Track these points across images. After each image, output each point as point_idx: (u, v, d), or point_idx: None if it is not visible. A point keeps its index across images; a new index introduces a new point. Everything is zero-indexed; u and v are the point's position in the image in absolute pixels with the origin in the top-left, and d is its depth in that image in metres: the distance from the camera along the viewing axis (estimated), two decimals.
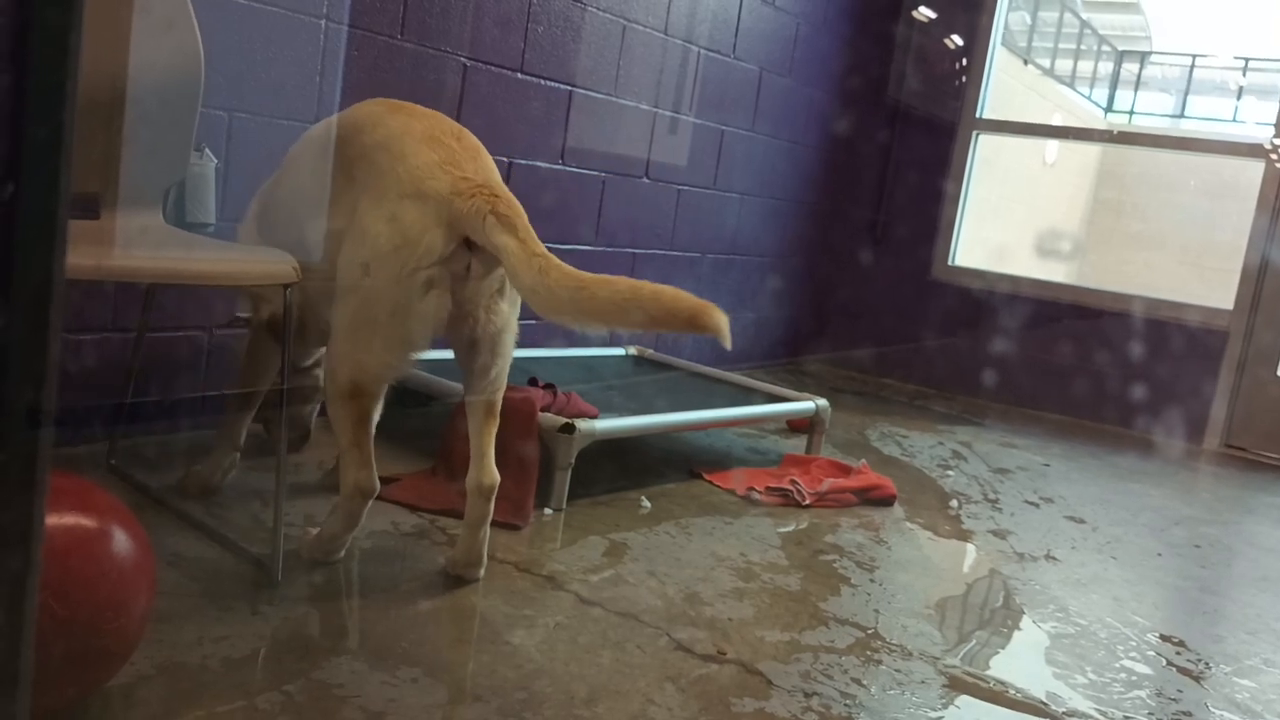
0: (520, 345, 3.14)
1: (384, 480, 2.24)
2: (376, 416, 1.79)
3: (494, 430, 1.85)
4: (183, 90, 1.93)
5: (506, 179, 3.03)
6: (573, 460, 2.28)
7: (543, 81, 3.06)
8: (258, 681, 1.41)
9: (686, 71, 3.64)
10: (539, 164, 3.12)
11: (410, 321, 1.68)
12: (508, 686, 1.49)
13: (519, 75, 2.98)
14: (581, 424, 2.30)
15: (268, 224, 1.99)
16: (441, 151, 1.71)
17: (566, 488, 2.29)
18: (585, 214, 3.35)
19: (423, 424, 2.76)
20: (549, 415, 2.33)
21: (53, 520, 1.17)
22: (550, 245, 3.26)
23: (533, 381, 2.59)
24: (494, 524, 2.12)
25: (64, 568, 1.15)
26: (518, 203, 1.72)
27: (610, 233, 3.46)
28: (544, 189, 3.16)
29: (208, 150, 2.27)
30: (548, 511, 2.26)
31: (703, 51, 3.68)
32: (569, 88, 3.15)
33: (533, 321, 3.21)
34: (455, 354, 1.84)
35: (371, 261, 1.66)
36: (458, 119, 2.82)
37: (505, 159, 3.01)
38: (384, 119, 1.78)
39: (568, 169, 3.23)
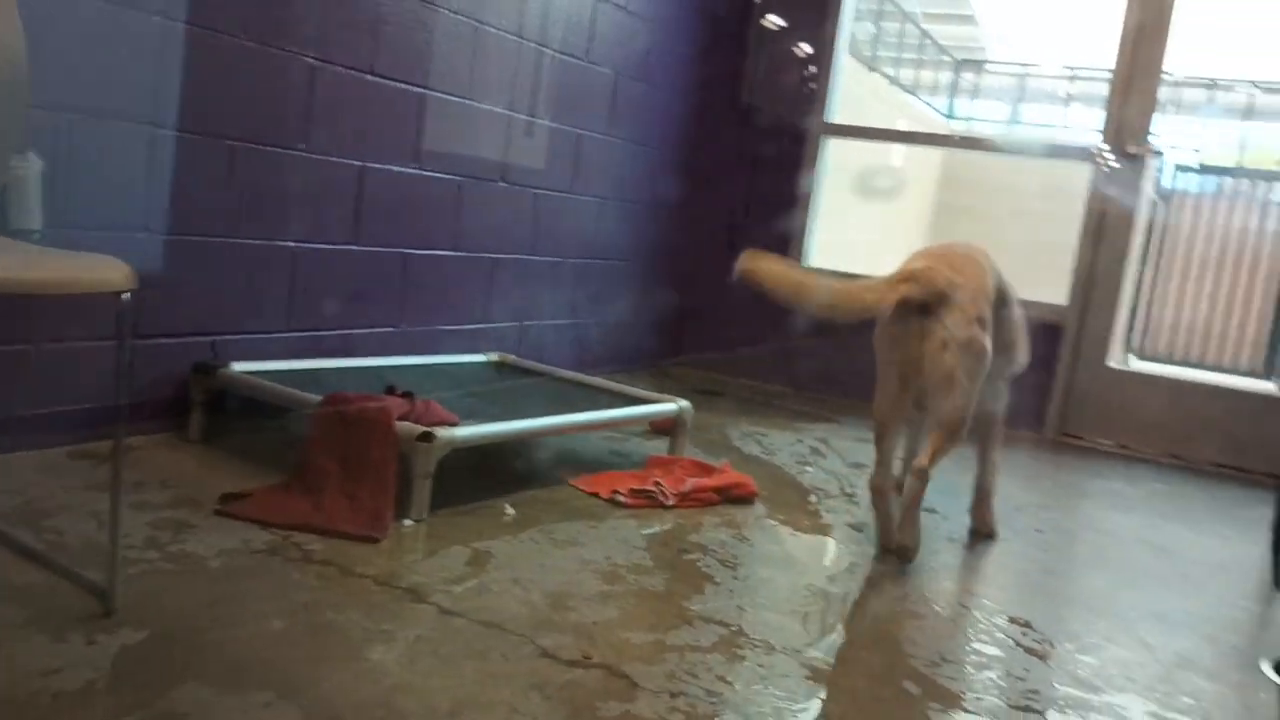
0: (376, 353, 3.09)
1: (234, 496, 2.16)
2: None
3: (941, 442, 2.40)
4: (4, 88, 1.81)
5: (359, 184, 2.96)
6: (433, 469, 2.23)
7: (394, 83, 3.00)
8: (93, 715, 1.33)
9: (541, 75, 3.62)
10: (393, 168, 3.05)
11: None
12: (367, 704, 1.44)
13: (369, 77, 2.91)
14: (441, 432, 2.25)
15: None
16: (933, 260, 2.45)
17: (428, 497, 2.24)
18: (442, 219, 3.29)
19: (276, 437, 2.66)
20: (407, 424, 2.28)
21: None
22: (407, 251, 3.21)
23: (390, 390, 2.53)
24: (350, 537, 2.06)
25: None
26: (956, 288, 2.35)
27: (468, 238, 3.41)
28: (399, 194, 3.09)
29: (32, 153, 2.13)
30: (408, 522, 2.21)
31: (557, 55, 3.67)
32: (422, 90, 3.10)
33: (389, 329, 3.15)
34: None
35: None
36: (306, 122, 2.75)
37: (358, 163, 2.93)
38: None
39: (423, 173, 3.17)
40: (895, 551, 2.44)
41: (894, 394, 2.44)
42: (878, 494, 2.48)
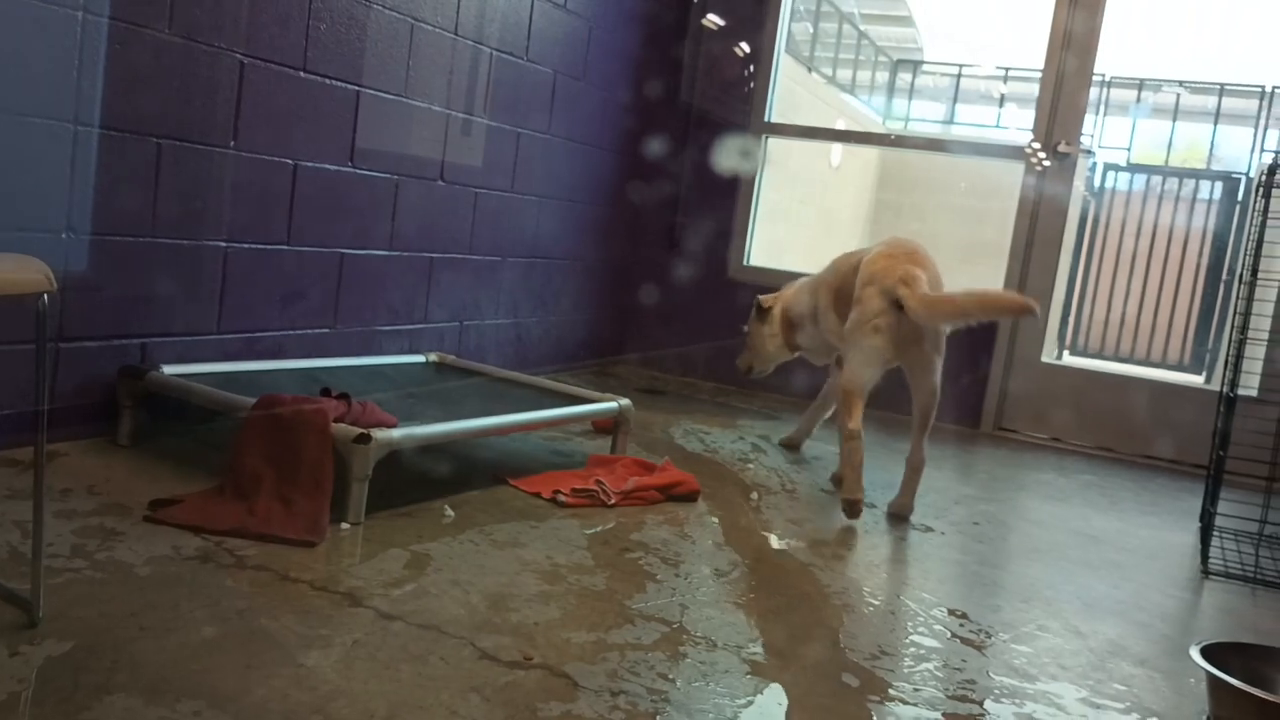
0: (311, 355, 3.04)
1: (164, 502, 2.11)
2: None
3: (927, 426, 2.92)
4: None
5: (292, 183, 2.91)
6: (370, 471, 2.20)
7: (328, 81, 2.95)
8: None
9: (479, 73, 3.59)
10: (327, 166, 3.00)
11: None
12: (301, 711, 1.42)
13: (302, 74, 2.86)
14: (378, 433, 2.22)
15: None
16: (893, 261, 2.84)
17: (364, 500, 2.21)
18: (378, 218, 3.25)
19: (209, 441, 2.61)
20: (343, 426, 2.24)
21: None
22: (342, 251, 3.16)
23: (325, 392, 2.49)
24: (286, 542, 2.03)
25: None
26: (922, 279, 2.76)
27: (406, 237, 3.37)
28: (334, 192, 3.04)
29: None
30: (345, 525, 2.17)
31: (495, 53, 3.65)
32: (356, 87, 3.05)
33: (325, 330, 3.10)
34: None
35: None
36: (235, 119, 2.70)
37: (290, 161, 2.88)
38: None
39: (358, 171, 3.12)
40: (852, 504, 2.73)
41: (874, 373, 2.85)
42: (857, 439, 2.77)
